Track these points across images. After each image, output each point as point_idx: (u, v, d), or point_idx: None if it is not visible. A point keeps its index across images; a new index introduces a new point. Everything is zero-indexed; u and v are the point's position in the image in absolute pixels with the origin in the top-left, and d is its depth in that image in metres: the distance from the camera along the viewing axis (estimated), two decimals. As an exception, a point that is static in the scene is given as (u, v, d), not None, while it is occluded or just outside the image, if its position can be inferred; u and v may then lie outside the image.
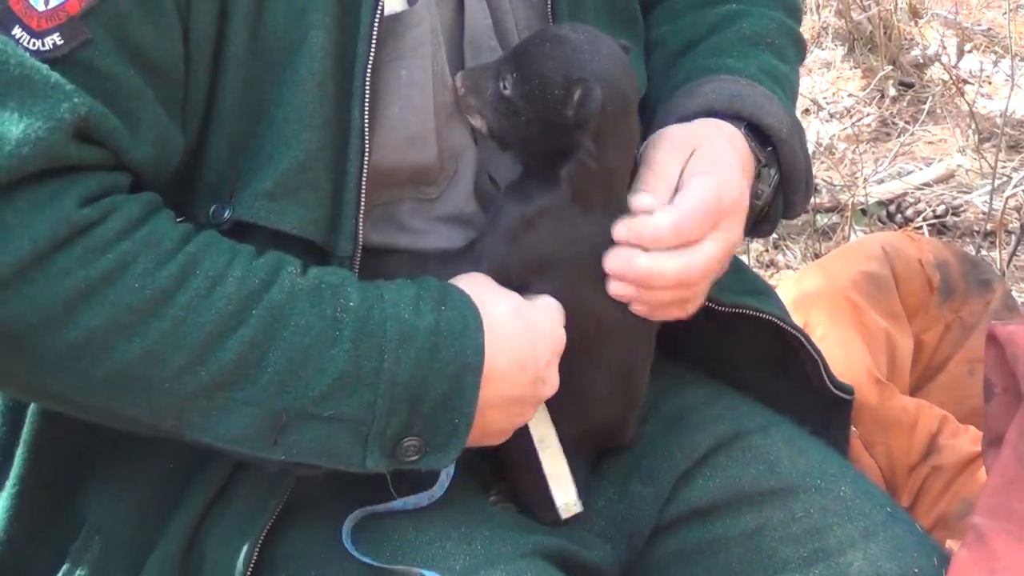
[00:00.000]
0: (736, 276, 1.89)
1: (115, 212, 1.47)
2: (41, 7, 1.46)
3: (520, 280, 1.65)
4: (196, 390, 1.49)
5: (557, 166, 1.64)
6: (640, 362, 1.77)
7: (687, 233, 1.66)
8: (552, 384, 1.64)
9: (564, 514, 1.76)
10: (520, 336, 1.59)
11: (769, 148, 1.81)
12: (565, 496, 1.76)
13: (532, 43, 1.66)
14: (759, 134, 1.80)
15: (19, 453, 1.70)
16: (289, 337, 1.50)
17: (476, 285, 1.61)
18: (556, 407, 1.70)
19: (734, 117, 1.79)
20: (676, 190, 1.68)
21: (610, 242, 1.67)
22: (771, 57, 1.89)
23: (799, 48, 1.98)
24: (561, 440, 1.75)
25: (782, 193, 1.85)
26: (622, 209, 1.67)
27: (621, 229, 1.66)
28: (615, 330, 1.70)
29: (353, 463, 1.55)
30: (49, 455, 1.71)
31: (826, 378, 1.94)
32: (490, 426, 1.60)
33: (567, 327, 1.65)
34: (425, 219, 1.71)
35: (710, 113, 1.79)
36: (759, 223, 1.86)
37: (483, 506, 1.74)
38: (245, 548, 1.62)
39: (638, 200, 1.67)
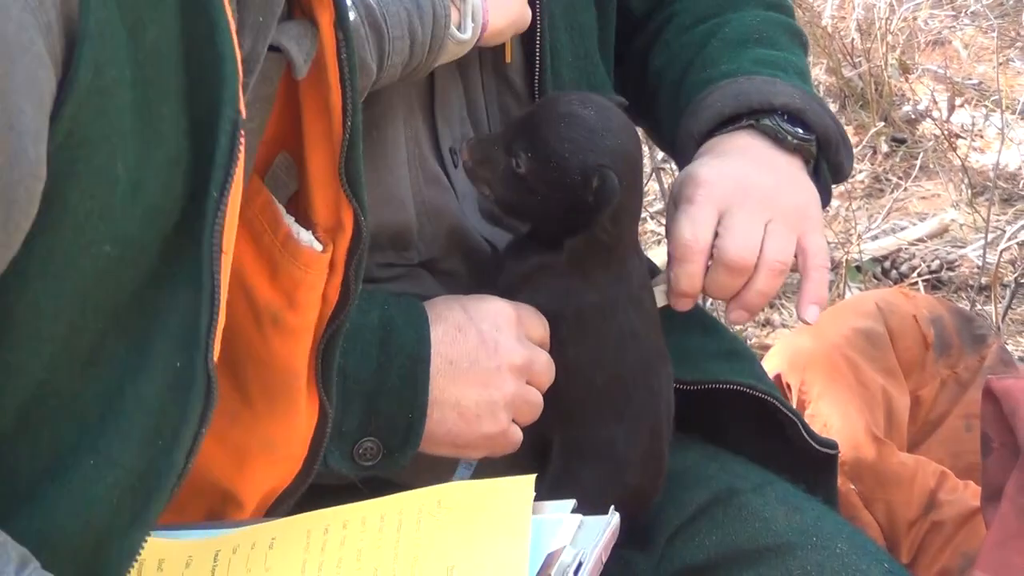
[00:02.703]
0: (710, 338, 1.92)
1: None
2: None
3: None
4: None
5: (564, 235, 1.64)
6: (664, 417, 1.74)
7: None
8: (541, 366, 1.63)
9: None
10: (472, 330, 1.59)
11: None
12: None
13: (544, 120, 1.64)
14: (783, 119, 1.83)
15: None
16: None
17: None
18: (589, 479, 1.67)
19: (747, 114, 1.82)
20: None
21: (612, 300, 1.66)
22: (762, 49, 1.92)
23: (791, 34, 1.99)
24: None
25: (824, 161, 1.88)
26: (621, 270, 1.67)
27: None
28: (637, 383, 1.69)
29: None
30: None
31: (807, 437, 1.92)
32: (467, 426, 1.60)
33: (583, 384, 1.65)
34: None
35: (723, 120, 1.82)
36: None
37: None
38: None
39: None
